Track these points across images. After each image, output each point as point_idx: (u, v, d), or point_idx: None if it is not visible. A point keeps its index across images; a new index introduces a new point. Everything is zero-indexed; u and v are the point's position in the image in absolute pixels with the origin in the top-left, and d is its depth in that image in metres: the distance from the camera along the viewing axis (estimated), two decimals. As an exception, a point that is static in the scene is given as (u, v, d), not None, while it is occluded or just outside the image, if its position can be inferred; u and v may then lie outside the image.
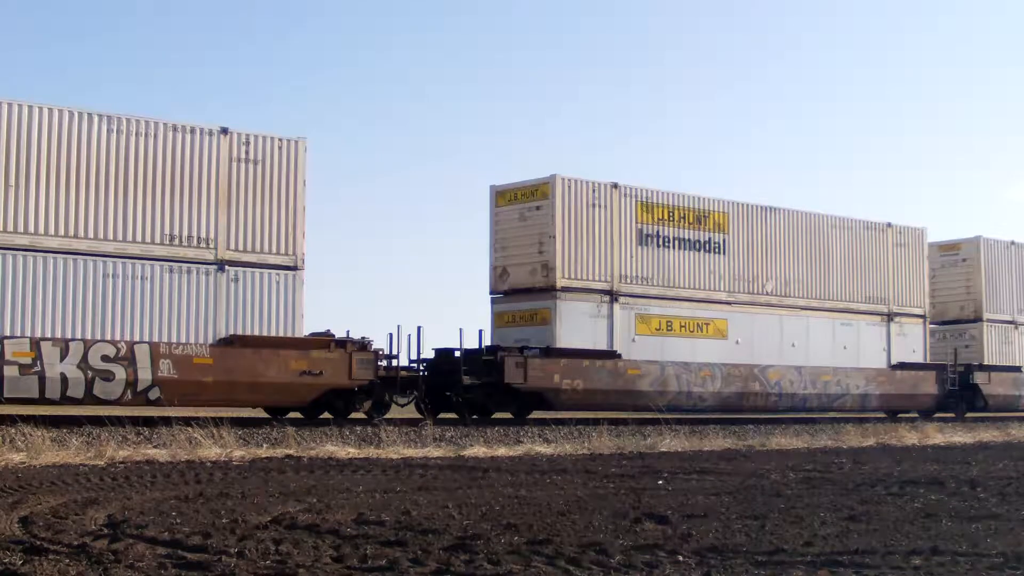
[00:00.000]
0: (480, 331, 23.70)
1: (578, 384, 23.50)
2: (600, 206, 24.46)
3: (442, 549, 7.75)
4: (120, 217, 19.13)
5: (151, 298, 19.21)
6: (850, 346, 28.64)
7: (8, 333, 17.99)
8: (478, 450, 17.84)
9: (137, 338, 18.95)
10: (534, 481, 13.16)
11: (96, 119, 19.12)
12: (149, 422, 18.46)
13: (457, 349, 22.84)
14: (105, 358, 18.60)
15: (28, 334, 18.13)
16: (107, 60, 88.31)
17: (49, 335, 18.28)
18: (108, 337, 18.72)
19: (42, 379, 18.08)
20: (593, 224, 24.33)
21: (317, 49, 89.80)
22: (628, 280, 24.74)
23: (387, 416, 21.43)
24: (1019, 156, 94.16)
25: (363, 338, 21.41)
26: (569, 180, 24.14)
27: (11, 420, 17.09)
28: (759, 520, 9.52)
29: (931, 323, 31.47)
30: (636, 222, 24.98)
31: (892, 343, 29.60)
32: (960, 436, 24.37)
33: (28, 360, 18.00)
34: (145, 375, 18.86)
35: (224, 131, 20.16)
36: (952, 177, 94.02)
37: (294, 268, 20.60)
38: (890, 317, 29.68)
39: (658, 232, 25.31)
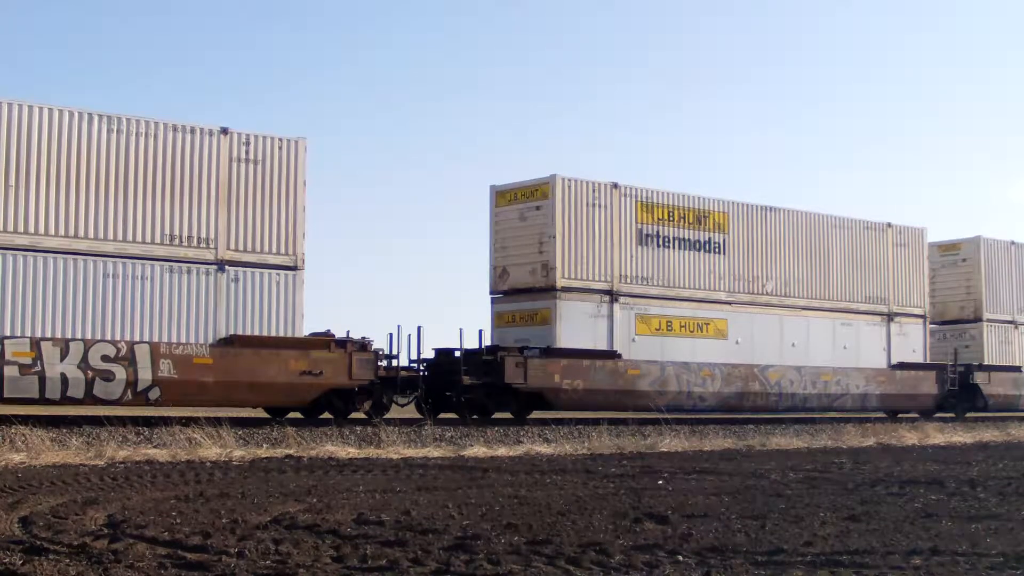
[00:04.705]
0: (480, 331, 23.74)
1: (578, 384, 23.49)
2: (600, 206, 24.46)
3: (442, 549, 7.75)
4: (120, 217, 19.12)
5: (151, 298, 19.20)
6: (850, 346, 28.63)
7: (8, 333, 17.98)
8: (478, 450, 17.84)
9: (137, 338, 18.95)
10: (534, 481, 13.16)
11: (96, 119, 19.12)
12: (149, 422, 18.46)
13: (457, 349, 22.83)
14: (105, 358, 18.60)
15: (28, 334, 18.13)
16: (107, 60, 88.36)
17: (49, 335, 18.28)
18: (108, 337, 18.72)
19: (42, 379, 18.07)
20: (593, 224, 24.33)
21: (317, 49, 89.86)
22: (628, 280, 24.74)
23: (387, 416, 21.42)
24: (1019, 156, 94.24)
25: (363, 338, 21.41)
26: (569, 180, 24.13)
27: (11, 420, 17.09)
28: (759, 520, 9.52)
29: (931, 323, 31.46)
30: (636, 222, 24.98)
31: (892, 343, 29.59)
32: (960, 436, 24.37)
33: (28, 360, 18.00)
34: (145, 375, 18.85)
35: (224, 131, 20.16)
36: (952, 177, 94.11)
37: (294, 268, 20.60)
38: (890, 317, 29.68)
39: (658, 232, 25.31)
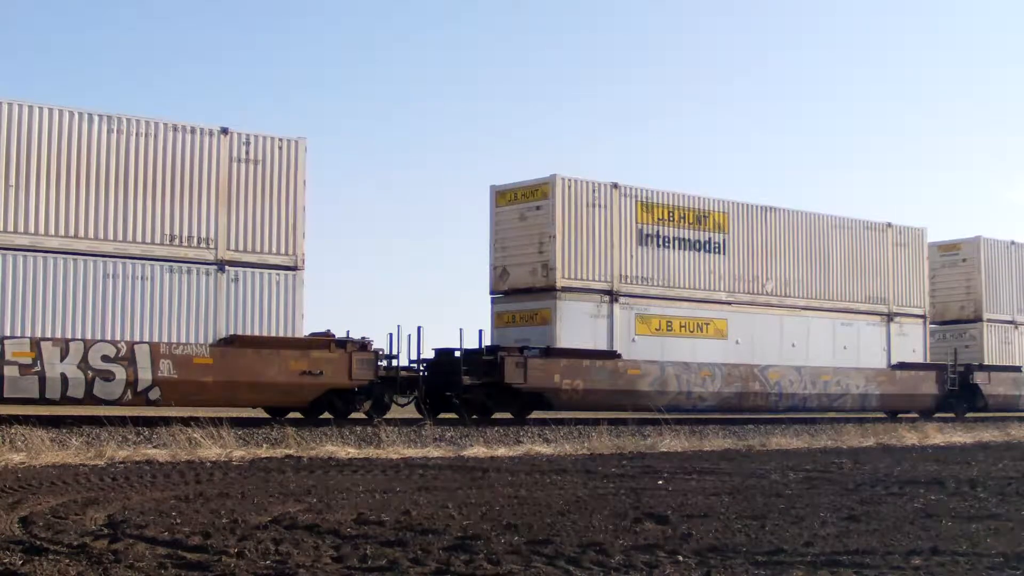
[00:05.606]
0: (480, 331, 23.74)
1: (578, 384, 23.49)
2: (600, 206, 24.46)
3: (442, 549, 7.75)
4: (120, 217, 19.12)
5: (151, 298, 19.20)
6: (850, 346, 28.63)
7: (8, 333, 17.98)
8: (478, 450, 17.84)
9: (137, 338, 18.95)
10: (534, 481, 13.16)
11: (96, 119, 19.12)
12: (149, 422, 18.46)
13: (457, 349, 22.84)
14: (105, 358, 18.60)
15: (28, 334, 18.13)
16: (107, 60, 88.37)
17: (49, 335, 18.28)
18: (108, 337, 18.72)
19: (42, 379, 18.07)
20: (593, 224, 24.33)
21: (317, 49, 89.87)
22: (628, 280, 24.74)
23: (387, 416, 21.42)
24: (1019, 156, 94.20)
25: (363, 338, 21.41)
26: (569, 180, 24.13)
27: (11, 420, 17.09)
28: (759, 520, 9.52)
29: (931, 323, 31.46)
30: (636, 222, 24.98)
31: (892, 343, 29.59)
32: (960, 436, 24.37)
33: (28, 360, 18.00)
34: (145, 375, 18.85)
35: (224, 131, 20.16)
36: (952, 177, 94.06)
37: (294, 268, 20.60)
38: (890, 317, 29.68)
39: (658, 232, 25.31)
